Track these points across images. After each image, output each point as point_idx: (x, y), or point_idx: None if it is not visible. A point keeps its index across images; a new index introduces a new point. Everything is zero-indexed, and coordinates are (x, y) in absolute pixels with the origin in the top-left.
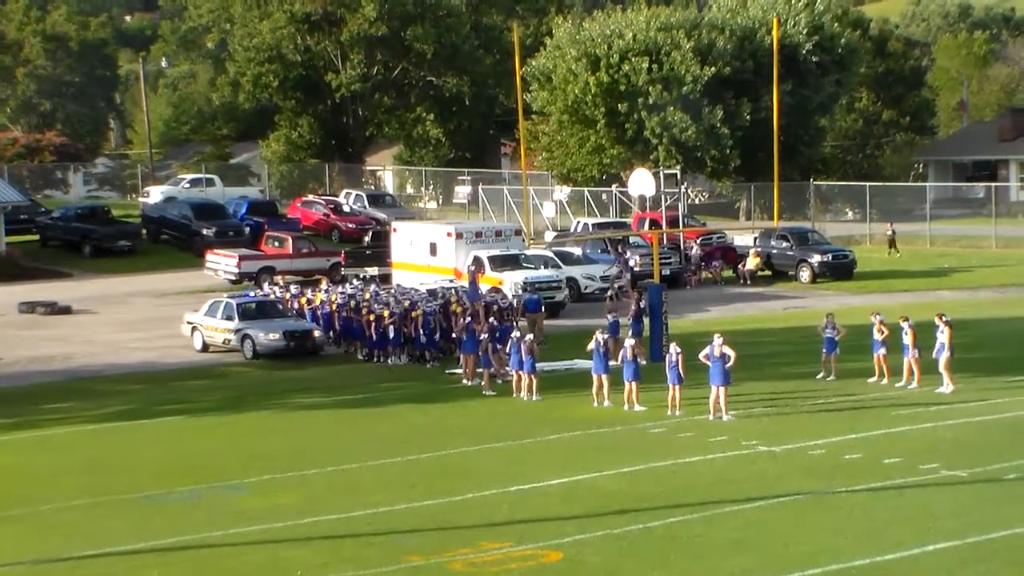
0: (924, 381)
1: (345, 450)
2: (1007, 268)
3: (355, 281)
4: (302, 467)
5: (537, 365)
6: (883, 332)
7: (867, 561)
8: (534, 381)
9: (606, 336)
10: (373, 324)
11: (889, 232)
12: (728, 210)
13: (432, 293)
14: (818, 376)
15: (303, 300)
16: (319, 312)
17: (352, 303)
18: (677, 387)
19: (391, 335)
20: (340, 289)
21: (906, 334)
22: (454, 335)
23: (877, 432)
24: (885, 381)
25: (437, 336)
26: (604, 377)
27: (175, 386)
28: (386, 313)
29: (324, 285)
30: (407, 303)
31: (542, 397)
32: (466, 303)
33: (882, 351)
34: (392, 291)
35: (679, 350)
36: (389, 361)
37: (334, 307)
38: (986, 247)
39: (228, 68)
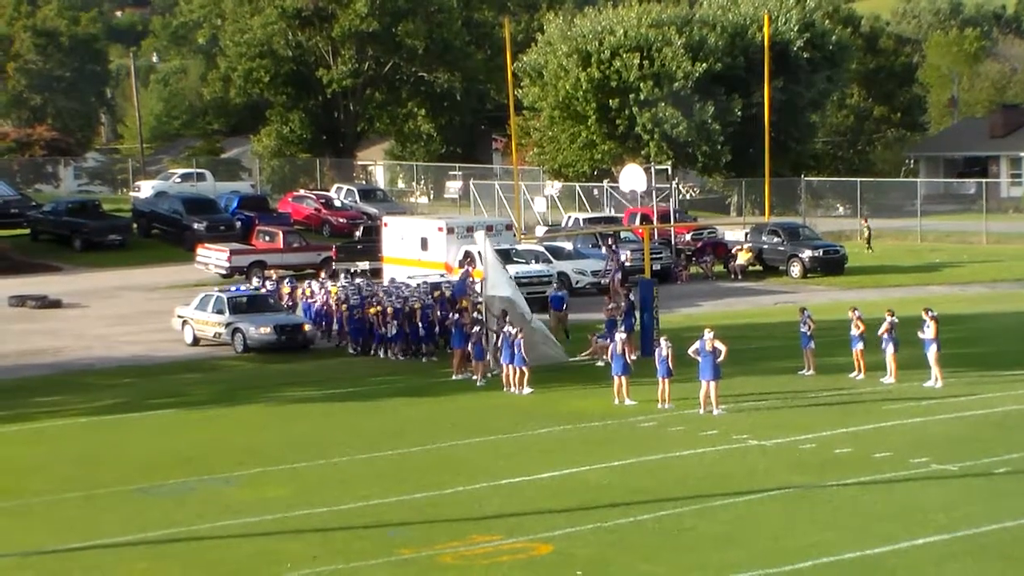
0: (911, 376)
1: (335, 443)
2: (998, 264)
3: (342, 276)
4: (292, 460)
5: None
6: (860, 327)
7: (857, 554)
8: (525, 374)
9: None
10: (378, 318)
11: (865, 228)
12: (719, 206)
13: (435, 286)
14: (798, 372)
15: (308, 292)
16: (324, 307)
17: (343, 296)
18: (666, 381)
19: (394, 331)
20: (334, 283)
21: (881, 327)
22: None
23: (867, 426)
24: (862, 376)
25: (436, 330)
26: (624, 378)
27: (166, 379)
28: (390, 309)
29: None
30: (405, 296)
31: (533, 390)
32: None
33: (859, 346)
34: (386, 286)
35: (670, 344)
36: (396, 357)
37: (335, 301)
38: (977, 243)
39: (219, 63)
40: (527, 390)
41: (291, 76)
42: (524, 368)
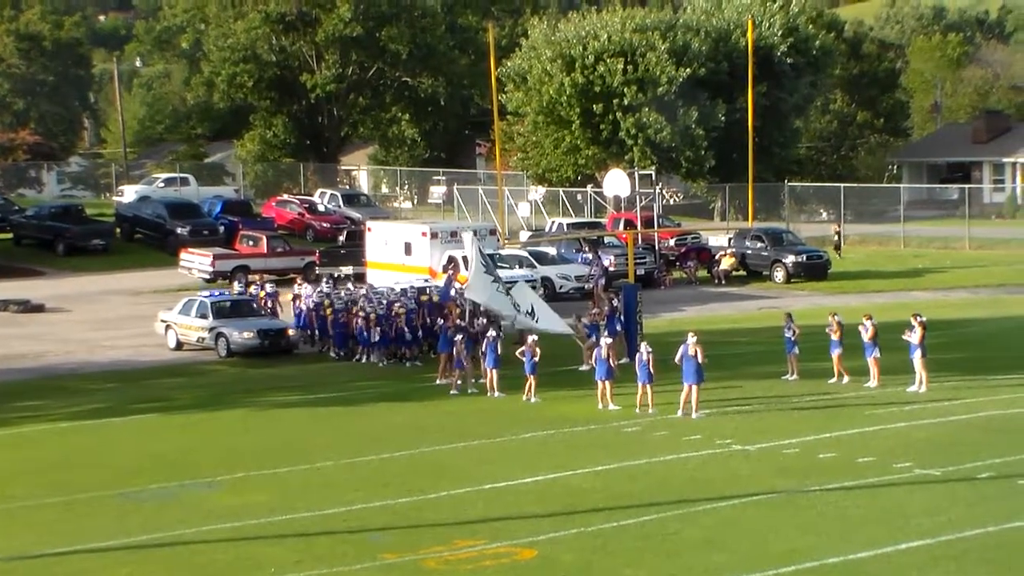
0: (895, 381)
1: (319, 448)
2: (980, 269)
3: (326, 280)
4: (276, 465)
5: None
6: (838, 332)
7: (840, 559)
8: (532, 382)
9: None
10: (359, 323)
11: (835, 234)
12: (703, 211)
13: (421, 291)
14: (782, 376)
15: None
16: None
17: (327, 302)
18: (647, 386)
19: (377, 336)
20: (317, 288)
21: (866, 330)
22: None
23: (851, 431)
24: (846, 380)
25: (420, 334)
26: (608, 382)
27: (149, 384)
28: (372, 315)
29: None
30: (388, 302)
31: (505, 395)
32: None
33: (838, 351)
34: (368, 291)
35: (650, 349)
36: (381, 361)
37: (311, 304)
38: (960, 248)
39: (203, 68)
40: (535, 399)
41: (275, 81)
42: (534, 375)
